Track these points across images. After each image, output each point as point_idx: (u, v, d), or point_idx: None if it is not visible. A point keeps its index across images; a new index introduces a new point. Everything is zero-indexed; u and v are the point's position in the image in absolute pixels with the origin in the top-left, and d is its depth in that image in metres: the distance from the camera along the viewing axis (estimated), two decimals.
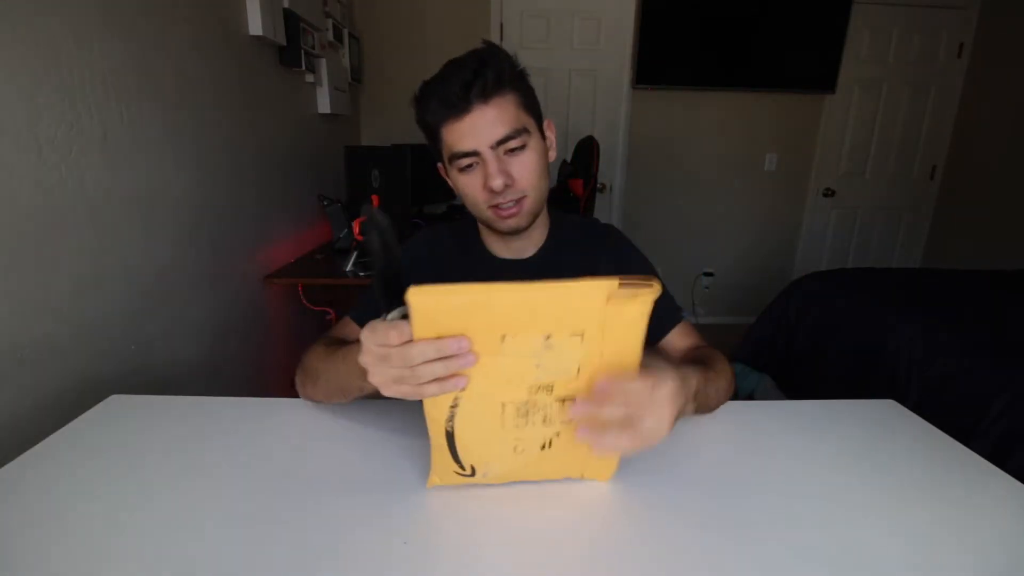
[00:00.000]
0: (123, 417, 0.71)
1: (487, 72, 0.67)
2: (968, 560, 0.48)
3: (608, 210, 3.13)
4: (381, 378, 0.46)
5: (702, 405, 0.63)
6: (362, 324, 0.78)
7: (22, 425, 0.81)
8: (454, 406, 0.48)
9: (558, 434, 0.52)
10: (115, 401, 0.74)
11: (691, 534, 0.51)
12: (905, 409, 0.76)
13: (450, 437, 0.50)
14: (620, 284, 0.43)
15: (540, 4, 2.82)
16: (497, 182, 0.70)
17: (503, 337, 0.44)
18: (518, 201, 0.73)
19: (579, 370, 0.47)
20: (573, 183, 2.24)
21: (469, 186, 0.73)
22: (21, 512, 0.52)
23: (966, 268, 2.32)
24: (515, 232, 0.76)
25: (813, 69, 2.95)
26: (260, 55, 1.63)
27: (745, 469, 0.61)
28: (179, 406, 0.74)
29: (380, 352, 0.45)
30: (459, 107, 0.68)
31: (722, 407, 0.74)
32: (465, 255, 0.84)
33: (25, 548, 0.47)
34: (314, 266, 1.79)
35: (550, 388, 0.48)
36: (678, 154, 3.09)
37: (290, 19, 1.73)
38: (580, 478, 0.58)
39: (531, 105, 0.74)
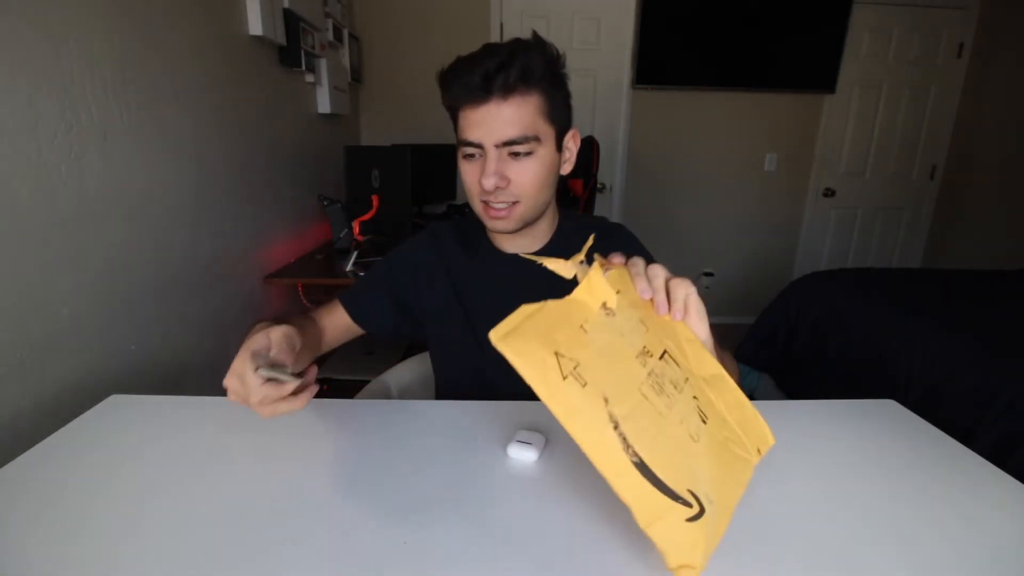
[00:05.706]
0: (123, 417, 0.71)
1: (513, 66, 0.64)
2: (968, 560, 0.48)
3: (608, 210, 3.12)
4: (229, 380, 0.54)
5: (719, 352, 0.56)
6: (348, 309, 0.84)
7: (22, 425, 0.81)
8: (616, 427, 0.39)
9: (695, 397, 0.46)
10: (115, 401, 0.74)
11: None
12: (905, 409, 0.76)
13: (641, 466, 0.39)
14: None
15: (540, 4, 2.82)
16: (489, 182, 0.69)
17: (581, 326, 0.42)
18: (510, 205, 0.72)
19: (642, 323, 0.47)
20: (573, 183, 2.24)
21: (467, 174, 0.73)
22: (22, 512, 0.52)
23: (966, 268, 2.32)
24: (502, 233, 0.77)
25: (813, 69, 2.95)
26: (260, 55, 1.63)
27: None
28: (179, 406, 0.74)
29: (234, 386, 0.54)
30: (476, 96, 0.66)
31: None
32: (471, 255, 0.84)
33: (26, 548, 0.47)
34: (314, 266, 1.79)
35: (649, 353, 0.45)
36: (678, 154, 3.09)
37: (290, 19, 1.73)
38: (759, 456, 0.49)
39: (556, 112, 0.71)
